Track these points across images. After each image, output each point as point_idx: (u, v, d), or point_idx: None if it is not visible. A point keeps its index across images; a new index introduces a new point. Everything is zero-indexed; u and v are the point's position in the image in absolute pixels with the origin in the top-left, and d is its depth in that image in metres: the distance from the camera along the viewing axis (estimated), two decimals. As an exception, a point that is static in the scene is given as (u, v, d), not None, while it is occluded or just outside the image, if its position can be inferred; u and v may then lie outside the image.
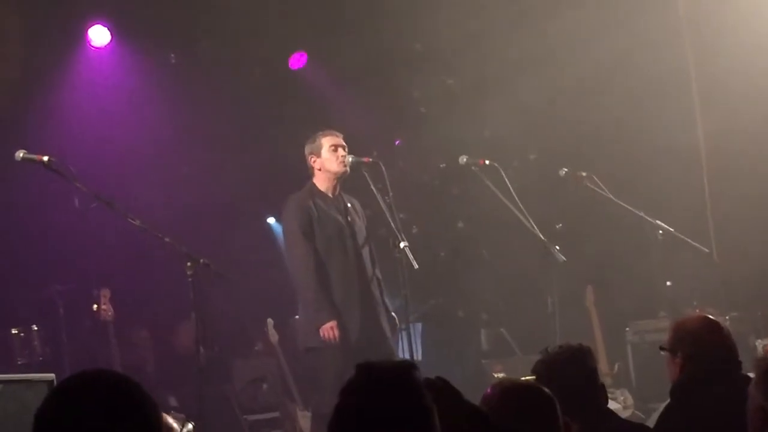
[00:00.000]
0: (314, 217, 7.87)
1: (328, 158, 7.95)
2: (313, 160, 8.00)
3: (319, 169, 7.99)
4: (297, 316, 8.28)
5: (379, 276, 8.12)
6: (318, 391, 8.15)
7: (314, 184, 8.02)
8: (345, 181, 8.10)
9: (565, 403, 4.56)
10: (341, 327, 7.70)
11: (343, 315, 7.77)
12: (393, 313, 8.11)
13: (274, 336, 9.80)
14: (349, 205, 8.06)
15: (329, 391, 7.56)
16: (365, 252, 8.04)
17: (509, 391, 3.81)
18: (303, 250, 7.82)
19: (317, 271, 7.79)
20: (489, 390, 3.82)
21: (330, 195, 8.00)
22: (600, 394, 4.68)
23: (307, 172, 8.09)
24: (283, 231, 8.30)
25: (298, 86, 11.08)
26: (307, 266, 7.80)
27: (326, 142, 7.97)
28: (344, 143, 8.00)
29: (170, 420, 4.21)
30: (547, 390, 3.87)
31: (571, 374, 4.61)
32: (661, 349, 5.00)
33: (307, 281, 7.81)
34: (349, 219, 7.99)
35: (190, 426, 4.37)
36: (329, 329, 7.65)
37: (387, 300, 8.11)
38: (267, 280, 10.02)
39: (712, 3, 10.34)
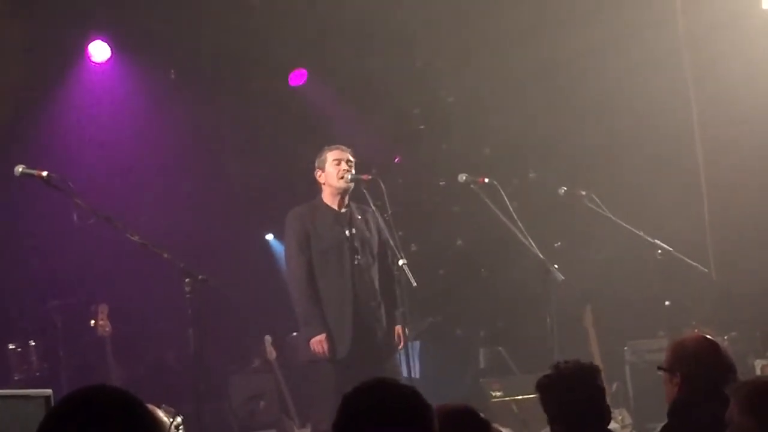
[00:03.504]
0: (311, 230, 7.90)
1: (330, 172, 8.00)
2: (318, 174, 8.07)
3: (324, 183, 8.03)
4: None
5: (396, 290, 7.98)
6: (314, 404, 8.15)
7: (321, 198, 8.07)
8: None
9: (570, 418, 4.56)
10: (331, 341, 7.69)
11: (334, 330, 7.76)
12: (399, 326, 8.04)
13: (271, 353, 9.79)
14: (359, 217, 8.05)
15: (321, 404, 7.57)
16: (372, 267, 8.02)
17: (445, 415, 3.83)
18: (296, 262, 7.89)
19: (309, 285, 7.82)
20: None
21: (336, 208, 8.01)
22: (605, 415, 4.67)
23: (305, 188, 8.13)
24: (284, 243, 8.35)
25: (298, 103, 11.09)
26: (299, 279, 7.84)
27: (331, 156, 8.02)
28: (350, 158, 8.02)
29: (160, 413, 4.25)
30: (482, 415, 3.91)
31: (581, 391, 4.60)
32: (659, 369, 4.99)
33: (298, 294, 7.86)
34: (353, 231, 7.98)
35: (179, 419, 4.42)
36: (318, 342, 7.67)
37: (397, 313, 8.02)
38: (265, 296, 10.01)
39: (711, 21, 10.35)
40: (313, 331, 7.71)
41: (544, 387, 4.68)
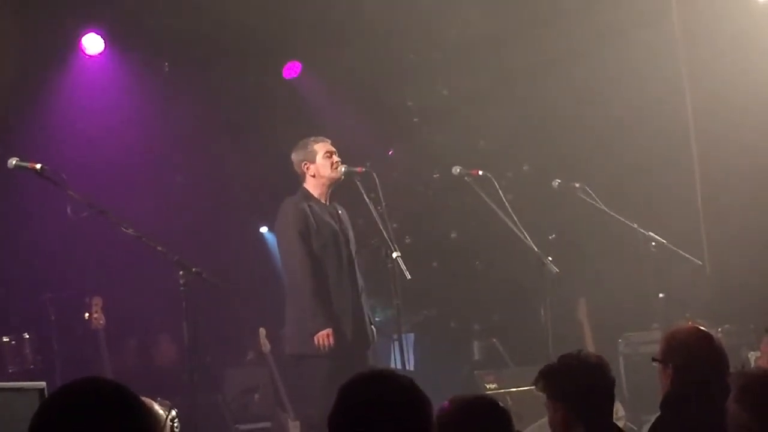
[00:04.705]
0: (310, 221, 7.81)
1: (322, 164, 7.93)
2: (306, 166, 7.96)
3: (313, 176, 7.95)
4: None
5: (363, 285, 8.08)
6: (306, 399, 8.11)
7: (309, 191, 8.00)
8: (337, 191, 8.09)
9: (579, 408, 4.56)
10: (335, 335, 7.66)
11: (336, 322, 7.72)
12: (373, 326, 8.08)
13: (266, 345, 9.78)
14: (340, 212, 8.04)
15: (314, 397, 7.54)
16: (355, 261, 8.02)
17: (465, 405, 3.82)
18: (300, 254, 7.73)
19: (314, 276, 7.71)
20: (446, 404, 3.83)
21: (323, 201, 7.98)
22: (612, 407, 4.69)
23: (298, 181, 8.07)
24: (279, 233, 8.15)
25: (292, 96, 11.08)
26: (304, 270, 7.71)
27: (320, 148, 7.95)
28: (335, 149, 8.00)
29: (156, 406, 4.26)
30: (501, 403, 3.90)
31: (593, 383, 4.60)
32: (654, 360, 5.00)
33: (303, 286, 7.71)
34: (341, 226, 7.97)
35: (173, 413, 4.43)
36: (325, 336, 7.58)
37: (369, 311, 8.09)
38: (259, 289, 10.01)
39: (707, 17, 10.36)
40: (319, 325, 7.60)
41: (559, 372, 4.64)
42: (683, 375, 4.83)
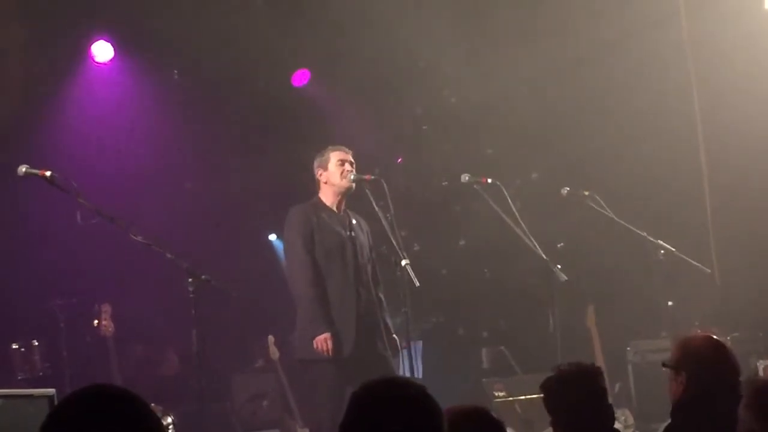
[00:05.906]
0: (315, 229, 7.84)
1: (333, 172, 7.97)
2: (320, 173, 8.03)
3: (325, 183, 8.01)
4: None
5: (381, 296, 8.08)
6: (313, 405, 8.12)
7: (320, 198, 8.03)
8: (348, 199, 8.10)
9: (573, 420, 4.57)
10: (336, 340, 7.67)
11: (338, 328, 7.73)
12: (394, 335, 8.06)
13: (274, 352, 9.79)
14: (354, 221, 8.05)
15: (321, 404, 7.55)
16: (368, 269, 8.02)
17: (457, 415, 3.83)
18: (302, 261, 7.80)
19: (314, 283, 7.75)
20: None
21: (335, 209, 8.00)
22: (608, 415, 4.68)
23: (311, 188, 8.10)
24: (284, 241, 8.26)
25: (301, 103, 11.10)
26: (304, 277, 7.77)
27: (334, 156, 8.00)
28: (352, 159, 8.02)
29: None
30: (494, 414, 3.91)
31: (582, 393, 4.60)
32: (664, 365, 4.99)
33: (303, 292, 7.78)
34: (352, 234, 7.98)
35: (169, 419, 4.44)
36: (323, 341, 7.60)
37: (388, 320, 8.07)
38: (268, 296, 10.01)
39: (714, 22, 10.35)
40: (317, 330, 7.64)
41: (545, 389, 4.69)
42: (695, 383, 4.83)
